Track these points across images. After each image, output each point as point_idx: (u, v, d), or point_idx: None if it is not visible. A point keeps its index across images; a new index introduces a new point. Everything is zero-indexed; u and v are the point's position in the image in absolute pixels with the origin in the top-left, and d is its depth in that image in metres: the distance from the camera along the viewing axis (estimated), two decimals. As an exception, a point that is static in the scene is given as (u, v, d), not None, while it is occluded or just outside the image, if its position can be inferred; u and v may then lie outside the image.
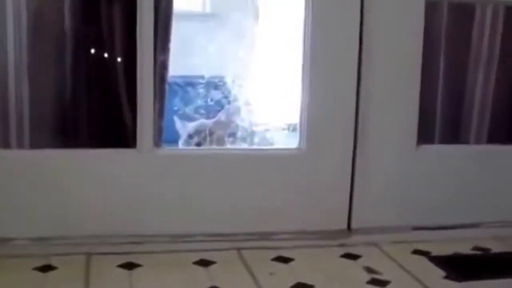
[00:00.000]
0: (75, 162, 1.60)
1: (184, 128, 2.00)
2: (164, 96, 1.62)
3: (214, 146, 1.88)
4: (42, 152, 1.59)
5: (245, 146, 1.77)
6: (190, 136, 1.97)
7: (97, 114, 1.64)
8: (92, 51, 1.60)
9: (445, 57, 1.91)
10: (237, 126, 1.89)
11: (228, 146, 1.87)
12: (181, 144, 2.00)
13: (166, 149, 1.67)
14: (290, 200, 1.73)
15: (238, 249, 1.71)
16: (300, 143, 1.72)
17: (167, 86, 1.62)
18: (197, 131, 1.97)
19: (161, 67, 1.59)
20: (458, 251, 1.79)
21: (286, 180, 1.72)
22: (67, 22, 1.56)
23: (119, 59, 1.60)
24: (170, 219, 1.66)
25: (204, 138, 1.91)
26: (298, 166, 1.72)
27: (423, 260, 1.73)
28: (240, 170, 1.69)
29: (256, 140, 1.84)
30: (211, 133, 1.98)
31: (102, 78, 1.62)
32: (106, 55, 1.60)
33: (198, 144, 1.93)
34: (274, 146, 1.77)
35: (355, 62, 1.70)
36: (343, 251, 1.76)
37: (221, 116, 2.04)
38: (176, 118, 2.01)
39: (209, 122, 2.02)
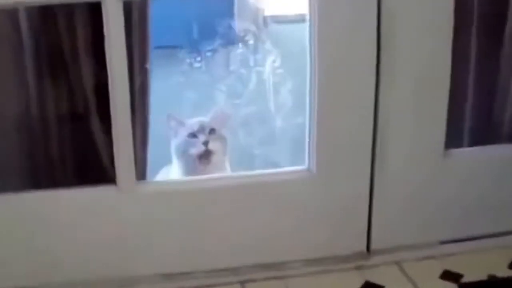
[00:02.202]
0: (47, 205, 1.36)
1: (181, 126, 1.74)
2: (146, 122, 1.36)
3: (211, 168, 1.62)
4: (7, 196, 1.34)
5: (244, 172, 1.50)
6: (193, 135, 1.71)
7: (69, 148, 1.38)
8: (58, 76, 1.33)
9: (475, 43, 1.62)
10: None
11: (228, 170, 1.62)
12: (174, 147, 1.74)
13: (151, 183, 1.42)
14: (300, 226, 1.49)
15: (242, 282, 1.51)
16: (309, 164, 1.46)
17: (149, 111, 1.36)
18: (201, 128, 1.71)
19: (140, 91, 1.33)
20: (494, 273, 1.55)
21: (295, 205, 1.48)
22: (27, 44, 1.29)
23: (89, 83, 1.33)
24: (163, 258, 1.44)
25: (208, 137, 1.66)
26: (308, 189, 1.47)
27: (453, 289, 1.53)
28: (243, 198, 1.45)
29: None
30: (211, 131, 1.73)
31: (71, 105, 1.35)
32: (73, 79, 1.33)
33: (205, 143, 1.68)
34: (281, 170, 1.51)
35: (373, 61, 1.40)
36: (361, 276, 1.54)
37: (217, 111, 1.79)
38: (170, 116, 1.76)
39: (205, 119, 1.76)
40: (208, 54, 1.95)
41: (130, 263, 1.42)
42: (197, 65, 1.97)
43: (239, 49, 1.93)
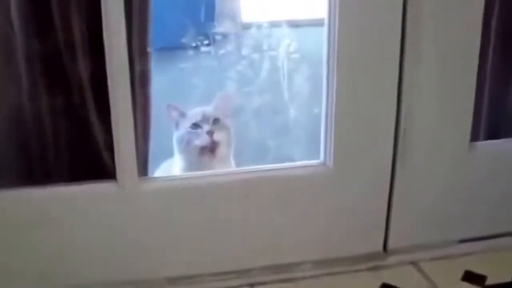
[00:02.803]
0: (40, 203, 1.23)
1: (183, 117, 1.60)
2: (148, 113, 1.22)
3: (217, 161, 1.49)
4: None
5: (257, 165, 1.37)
6: (196, 125, 1.58)
7: (64, 141, 1.24)
8: (52, 64, 1.18)
9: (496, 26, 1.50)
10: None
11: (233, 165, 1.49)
12: (176, 140, 1.60)
13: (154, 179, 1.29)
14: (312, 225, 1.38)
15: (251, 285, 1.39)
16: (325, 158, 1.34)
17: (150, 101, 1.23)
18: (205, 118, 1.58)
19: (140, 78, 1.19)
20: (520, 274, 1.47)
21: (308, 203, 1.36)
22: (17, 29, 1.15)
23: (85, 69, 1.19)
24: (168, 260, 1.32)
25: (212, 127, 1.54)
26: (323, 185, 1.35)
27: (479, 293, 1.42)
28: (252, 195, 1.32)
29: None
30: (215, 120, 1.59)
31: (66, 95, 1.21)
32: (68, 66, 1.18)
33: (210, 133, 1.55)
34: (293, 164, 1.38)
35: (396, 50, 1.28)
36: (377, 278, 1.42)
37: (220, 97, 1.66)
38: (170, 106, 1.62)
39: (208, 108, 1.63)
40: (218, 37, 1.79)
41: (132, 266, 1.30)
42: (204, 49, 1.80)
43: (251, 32, 1.77)
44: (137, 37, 1.16)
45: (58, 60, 1.19)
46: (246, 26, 1.94)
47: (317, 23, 1.31)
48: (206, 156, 1.56)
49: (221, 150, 1.57)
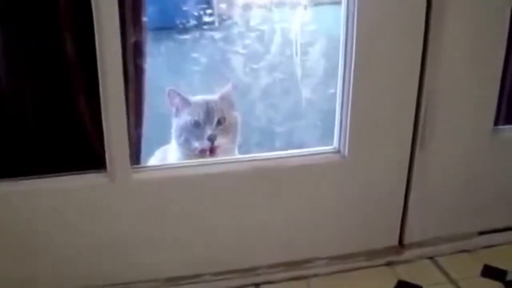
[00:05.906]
0: (21, 198, 1.04)
1: (185, 105, 1.35)
2: (142, 93, 1.03)
3: (220, 156, 1.28)
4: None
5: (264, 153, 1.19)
6: (197, 124, 1.34)
7: (47, 127, 1.04)
8: (29, 36, 0.98)
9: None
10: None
11: (237, 154, 1.30)
12: (176, 131, 1.36)
13: (149, 169, 1.09)
14: (325, 218, 1.21)
15: (257, 284, 1.22)
16: (339, 144, 1.16)
17: (145, 78, 1.03)
18: (208, 114, 1.34)
19: (134, 52, 1.00)
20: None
21: (320, 194, 1.19)
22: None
23: (71, 43, 0.99)
24: (166, 259, 1.14)
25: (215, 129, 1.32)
26: (336, 175, 1.18)
27: (499, 290, 1.27)
28: (259, 186, 1.14)
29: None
30: (220, 120, 1.35)
31: (49, 74, 1.01)
32: (50, 38, 0.98)
33: (212, 137, 1.32)
34: (304, 151, 1.20)
35: (421, 25, 1.11)
36: (393, 275, 1.26)
37: (225, 91, 1.41)
38: (173, 92, 1.40)
39: (213, 99, 1.39)
40: (222, 5, 1.53)
41: (126, 266, 1.12)
42: (207, 19, 1.54)
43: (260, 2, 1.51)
44: (130, 3, 0.96)
45: (38, 32, 0.99)
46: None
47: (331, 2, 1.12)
48: (205, 157, 1.32)
49: (222, 151, 1.34)
